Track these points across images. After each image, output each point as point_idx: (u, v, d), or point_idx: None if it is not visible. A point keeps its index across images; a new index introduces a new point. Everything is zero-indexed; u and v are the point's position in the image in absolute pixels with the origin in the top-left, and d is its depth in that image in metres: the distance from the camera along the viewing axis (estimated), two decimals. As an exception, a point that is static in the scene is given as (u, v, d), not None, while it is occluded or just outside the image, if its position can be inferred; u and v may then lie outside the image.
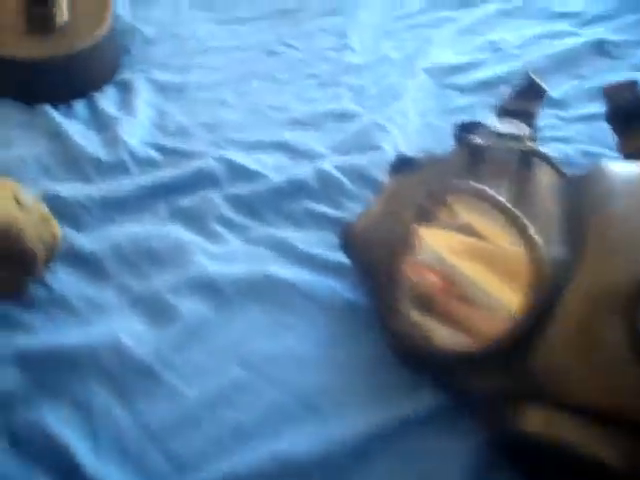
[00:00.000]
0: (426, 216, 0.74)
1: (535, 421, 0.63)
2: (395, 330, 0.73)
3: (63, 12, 1.06)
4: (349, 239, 0.81)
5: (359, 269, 0.81)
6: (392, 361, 0.75)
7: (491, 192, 0.71)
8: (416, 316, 0.72)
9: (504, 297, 0.68)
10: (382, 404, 0.73)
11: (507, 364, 0.67)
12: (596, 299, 0.63)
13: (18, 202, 0.77)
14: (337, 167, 0.96)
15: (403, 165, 0.84)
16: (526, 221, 0.69)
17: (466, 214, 0.72)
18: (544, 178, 0.77)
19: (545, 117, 0.95)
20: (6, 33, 1.07)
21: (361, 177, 0.95)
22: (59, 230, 0.82)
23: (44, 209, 0.81)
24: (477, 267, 0.70)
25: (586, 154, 1.00)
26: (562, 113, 1.06)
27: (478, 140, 0.79)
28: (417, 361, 0.73)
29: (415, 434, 0.71)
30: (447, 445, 0.70)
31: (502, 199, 0.70)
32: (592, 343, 0.62)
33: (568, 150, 1.00)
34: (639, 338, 0.60)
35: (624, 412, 0.61)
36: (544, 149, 0.82)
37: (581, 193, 0.73)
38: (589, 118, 1.05)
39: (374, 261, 0.77)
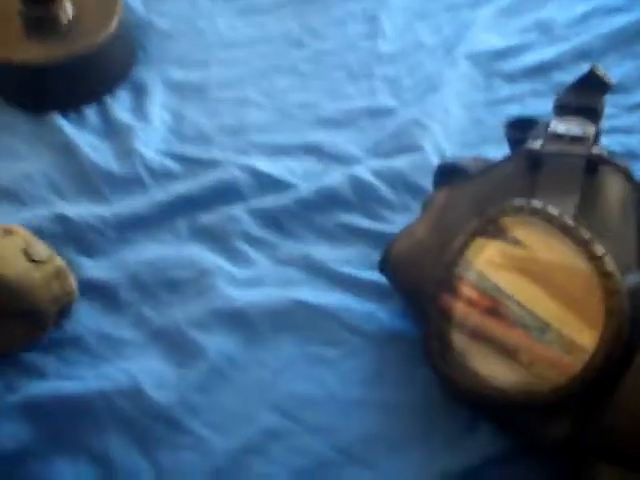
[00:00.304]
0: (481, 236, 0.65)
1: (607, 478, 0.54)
2: (446, 368, 0.63)
3: (66, 10, 0.97)
4: (390, 259, 0.71)
5: (402, 294, 0.72)
6: (447, 401, 0.66)
7: (555, 210, 0.61)
8: (470, 350, 0.63)
9: (573, 333, 0.59)
10: (438, 451, 0.65)
11: (576, 413, 0.57)
12: None
13: (31, 255, 0.71)
14: (373, 172, 0.86)
15: (450, 174, 0.75)
16: (598, 245, 0.59)
17: (526, 236, 0.62)
18: (614, 189, 0.67)
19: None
20: (4, 35, 0.98)
21: (401, 183, 0.86)
22: (74, 284, 0.74)
23: (59, 262, 0.73)
24: (542, 295, 0.61)
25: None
26: (622, 99, 0.95)
27: (536, 145, 0.69)
28: (475, 401, 0.64)
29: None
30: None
31: (568, 219, 0.61)
32: None
33: (631, 142, 0.89)
34: None
35: None
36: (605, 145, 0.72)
37: None
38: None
39: (419, 286, 0.67)
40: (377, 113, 0.96)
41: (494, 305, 0.62)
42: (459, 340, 0.63)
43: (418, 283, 0.67)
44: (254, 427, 0.68)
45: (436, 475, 0.63)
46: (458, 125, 0.95)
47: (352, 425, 0.67)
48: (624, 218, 0.65)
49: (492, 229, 0.63)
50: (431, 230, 0.70)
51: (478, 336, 0.63)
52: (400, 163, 0.87)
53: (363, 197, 0.85)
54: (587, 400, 0.57)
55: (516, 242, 0.63)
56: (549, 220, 0.61)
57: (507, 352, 0.61)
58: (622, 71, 0.99)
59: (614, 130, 0.89)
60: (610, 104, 0.92)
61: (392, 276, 0.72)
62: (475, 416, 0.66)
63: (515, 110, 0.93)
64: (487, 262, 0.63)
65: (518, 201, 0.63)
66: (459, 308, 0.64)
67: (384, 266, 0.72)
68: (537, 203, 0.62)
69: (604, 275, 0.57)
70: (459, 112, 0.96)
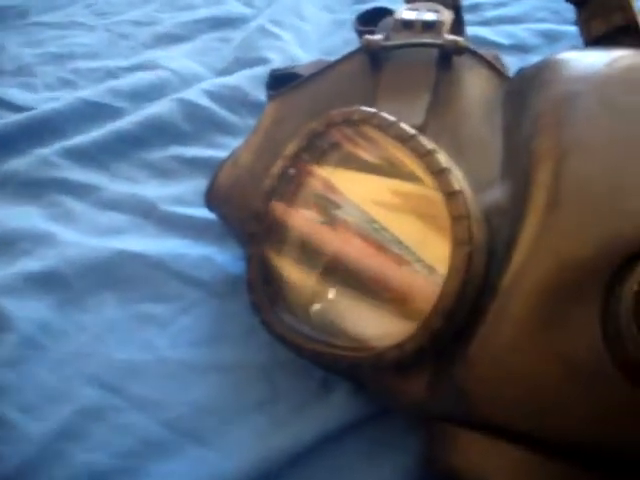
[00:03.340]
0: (315, 154, 0.53)
1: (467, 457, 0.44)
2: (278, 323, 0.52)
3: None
4: (214, 193, 0.60)
5: (234, 234, 0.60)
6: (295, 360, 0.55)
7: (389, 116, 0.49)
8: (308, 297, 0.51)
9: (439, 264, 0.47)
10: (283, 420, 0.54)
11: (432, 369, 0.47)
12: (556, 277, 0.41)
13: None
14: (208, 94, 0.74)
15: (282, 82, 0.62)
16: (442, 157, 0.47)
17: (362, 151, 0.51)
18: (476, 85, 0.55)
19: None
20: None
21: (240, 103, 0.73)
22: None
23: None
24: (405, 219, 0.49)
25: (546, 36, 0.78)
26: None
27: (377, 37, 0.57)
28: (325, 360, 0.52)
29: (328, 456, 0.52)
30: (369, 468, 0.51)
31: (405, 126, 0.49)
32: (550, 348, 0.41)
33: (519, 33, 0.78)
34: (634, 339, 0.39)
35: (604, 450, 0.41)
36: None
37: (526, 104, 0.49)
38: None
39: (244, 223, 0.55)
40: (223, 24, 0.83)
41: (334, 227, 0.50)
42: (293, 285, 0.52)
43: (244, 220, 0.55)
44: (72, 406, 0.56)
45: (281, 447, 0.52)
46: (318, 30, 0.82)
47: (184, 394, 0.56)
48: (487, 121, 0.53)
49: (320, 146, 0.52)
50: (257, 153, 0.58)
51: (318, 276, 0.51)
52: (240, 80, 0.75)
53: (197, 124, 0.72)
54: (443, 353, 0.46)
55: (351, 159, 0.51)
56: (384, 129, 0.49)
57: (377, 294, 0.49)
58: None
59: (500, 20, 0.78)
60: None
61: (219, 213, 0.61)
62: (328, 376, 0.55)
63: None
64: (324, 184, 0.51)
65: (348, 108, 0.51)
66: (290, 242, 0.52)
67: (210, 201, 0.60)
68: (367, 109, 0.50)
69: (448, 195, 0.46)
70: (319, 15, 0.84)
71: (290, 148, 0.52)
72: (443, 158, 0.47)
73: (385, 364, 0.47)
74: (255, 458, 0.51)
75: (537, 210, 0.43)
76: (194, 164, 0.71)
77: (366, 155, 0.51)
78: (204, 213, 0.65)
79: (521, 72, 0.53)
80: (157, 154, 0.71)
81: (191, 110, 0.73)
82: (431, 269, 0.47)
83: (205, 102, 0.73)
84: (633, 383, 0.39)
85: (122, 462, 0.53)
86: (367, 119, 0.49)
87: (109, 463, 0.53)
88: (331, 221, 0.51)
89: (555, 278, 0.41)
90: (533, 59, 0.52)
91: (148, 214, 0.67)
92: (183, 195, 0.68)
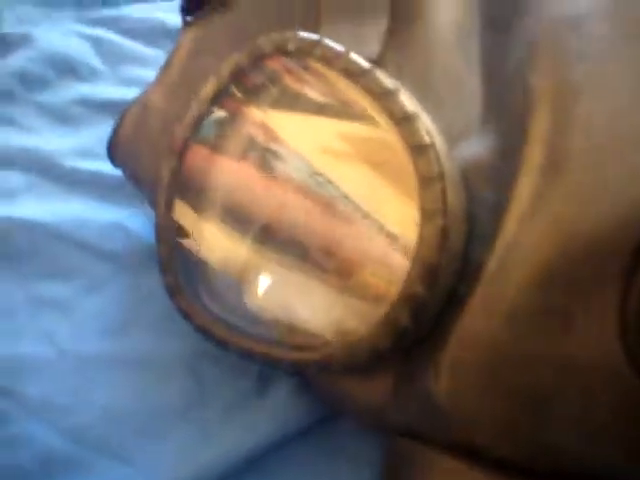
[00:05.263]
0: (244, 92, 0.41)
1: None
2: (201, 308, 0.41)
3: None
4: (119, 142, 0.48)
5: (143, 193, 0.49)
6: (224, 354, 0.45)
7: (337, 45, 0.38)
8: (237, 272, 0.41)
9: (401, 229, 0.36)
10: (213, 427, 0.44)
11: (398, 369, 0.37)
12: (559, 258, 0.30)
13: None
14: (119, 21, 0.61)
15: (199, 3, 0.50)
16: (406, 99, 0.36)
17: (302, 88, 0.40)
18: (443, 5, 0.43)
19: None
20: None
21: (161, 31, 0.61)
22: None
23: None
24: (357, 171, 0.38)
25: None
26: None
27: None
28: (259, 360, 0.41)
29: (263, 471, 0.42)
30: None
31: (358, 58, 0.37)
32: (550, 349, 0.31)
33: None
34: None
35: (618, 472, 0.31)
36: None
37: (513, 26, 0.37)
38: None
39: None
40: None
41: (270, 181, 0.40)
42: (217, 260, 0.41)
43: (155, 177, 0.44)
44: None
45: (210, 463, 0.42)
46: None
47: (91, 397, 0.46)
48: (461, 53, 0.41)
49: (249, 83, 0.40)
50: (171, 93, 0.47)
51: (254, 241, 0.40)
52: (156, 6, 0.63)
53: (107, 57, 0.60)
54: (411, 352, 0.36)
55: (289, 97, 0.40)
56: (328, 62, 0.38)
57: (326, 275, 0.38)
58: None
59: None
60: None
61: (125, 168, 0.49)
62: (267, 374, 0.45)
63: None
64: (256, 127, 0.40)
65: (281, 35, 0.39)
66: (213, 204, 0.41)
67: (114, 154, 0.49)
68: (307, 36, 0.39)
69: (415, 150, 0.35)
70: None
71: (209, 87, 0.41)
72: (407, 99, 0.36)
73: (336, 368, 0.37)
74: (185, 477, 0.41)
75: (534, 169, 0.32)
76: (103, 107, 0.59)
77: (310, 92, 0.40)
78: (115, 169, 0.54)
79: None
80: (57, 97, 0.59)
81: (100, 42, 0.61)
82: (392, 236, 0.36)
83: (112, 34, 0.61)
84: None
85: (18, 482, 0.43)
86: (306, 50, 0.38)
87: (2, 484, 0.43)
88: (267, 174, 0.40)
89: (557, 259, 0.31)
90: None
91: (45, 171, 0.56)
92: (89, 146, 0.57)
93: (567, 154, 0.32)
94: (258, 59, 0.40)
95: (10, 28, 0.64)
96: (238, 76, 0.40)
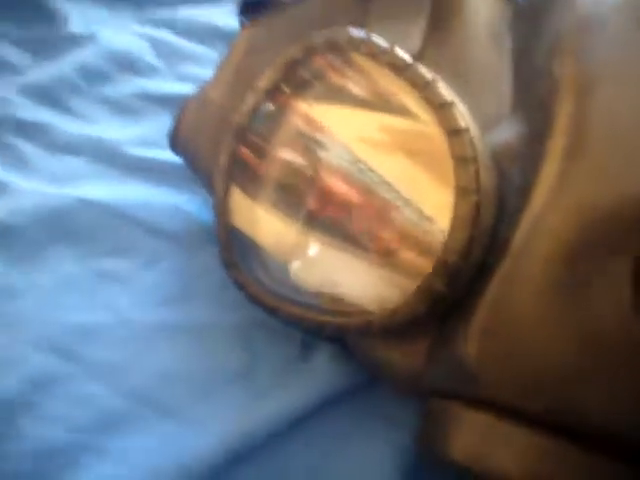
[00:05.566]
0: (294, 85, 0.45)
1: (469, 440, 0.37)
2: (252, 282, 0.45)
3: None
4: (180, 134, 0.53)
5: (203, 181, 0.54)
6: (276, 321, 0.49)
7: (382, 41, 0.42)
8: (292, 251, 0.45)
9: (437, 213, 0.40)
10: (261, 390, 0.48)
11: (432, 337, 0.40)
12: (580, 232, 0.35)
13: None
14: (176, 23, 0.66)
15: (255, 7, 0.55)
16: (444, 89, 0.40)
17: (348, 82, 0.44)
18: (480, 7, 0.48)
19: None
20: None
21: (214, 33, 0.66)
22: None
23: None
24: (397, 160, 0.42)
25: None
26: None
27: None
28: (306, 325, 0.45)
29: (307, 431, 0.46)
30: (358, 445, 0.45)
31: (402, 53, 0.42)
32: (571, 317, 0.35)
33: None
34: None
35: (632, 436, 0.35)
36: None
37: (542, 26, 0.42)
38: None
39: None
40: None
41: (316, 169, 0.44)
42: (269, 239, 0.45)
43: (213, 165, 0.48)
44: (22, 374, 0.50)
45: (258, 422, 0.46)
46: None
47: (149, 360, 0.50)
48: (495, 48, 0.46)
49: (299, 77, 0.44)
50: (229, 88, 0.51)
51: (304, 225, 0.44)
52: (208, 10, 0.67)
53: (163, 55, 0.65)
54: (445, 319, 0.40)
55: (335, 91, 0.44)
56: (375, 56, 0.42)
57: (352, 248, 0.42)
58: None
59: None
60: None
61: (185, 157, 0.53)
62: (311, 341, 0.49)
63: None
64: (304, 120, 0.44)
65: (333, 31, 0.44)
66: (266, 188, 0.45)
67: (175, 144, 0.53)
68: (356, 32, 0.43)
69: (451, 133, 0.39)
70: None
71: (264, 80, 0.45)
72: (445, 90, 0.40)
73: (376, 331, 0.41)
74: (233, 433, 0.45)
75: (558, 152, 0.36)
76: (160, 101, 0.63)
77: (353, 87, 0.44)
78: (173, 156, 0.58)
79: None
80: (118, 89, 0.63)
81: (157, 41, 0.65)
82: (429, 219, 0.40)
83: (171, 34, 0.65)
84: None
85: (79, 437, 0.47)
86: (356, 44, 0.42)
87: (64, 438, 0.47)
88: (314, 163, 0.44)
89: (579, 234, 0.35)
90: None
91: (108, 158, 0.60)
92: (149, 136, 0.61)
93: (589, 137, 0.35)
94: (310, 52, 0.44)
95: (76, 28, 0.69)
96: (292, 68, 0.45)
